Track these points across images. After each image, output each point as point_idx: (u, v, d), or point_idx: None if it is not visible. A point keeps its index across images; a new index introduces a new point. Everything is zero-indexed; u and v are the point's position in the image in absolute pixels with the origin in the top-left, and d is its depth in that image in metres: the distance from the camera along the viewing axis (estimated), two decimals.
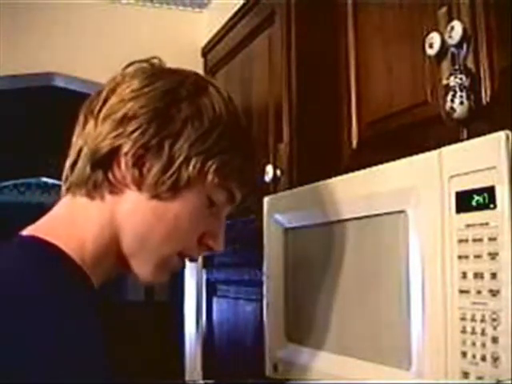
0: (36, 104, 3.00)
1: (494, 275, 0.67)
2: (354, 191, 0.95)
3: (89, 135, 0.77)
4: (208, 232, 0.82)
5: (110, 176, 0.77)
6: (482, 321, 0.68)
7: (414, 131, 0.98)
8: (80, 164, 0.77)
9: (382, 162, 0.89)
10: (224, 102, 0.80)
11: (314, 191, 1.05)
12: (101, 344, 0.69)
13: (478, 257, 0.69)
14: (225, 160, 0.79)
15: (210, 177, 0.78)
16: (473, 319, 0.69)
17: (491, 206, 0.68)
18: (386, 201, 0.86)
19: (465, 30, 0.85)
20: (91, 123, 0.78)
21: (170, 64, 0.85)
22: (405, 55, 1.02)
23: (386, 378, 0.84)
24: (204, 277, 1.88)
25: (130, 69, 0.82)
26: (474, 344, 0.69)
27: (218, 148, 0.78)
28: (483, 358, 0.68)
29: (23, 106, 3.05)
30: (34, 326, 0.63)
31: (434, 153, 0.77)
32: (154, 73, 0.80)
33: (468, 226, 0.71)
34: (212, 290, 1.84)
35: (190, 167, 0.77)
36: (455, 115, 0.84)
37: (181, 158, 0.76)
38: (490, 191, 0.68)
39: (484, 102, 0.83)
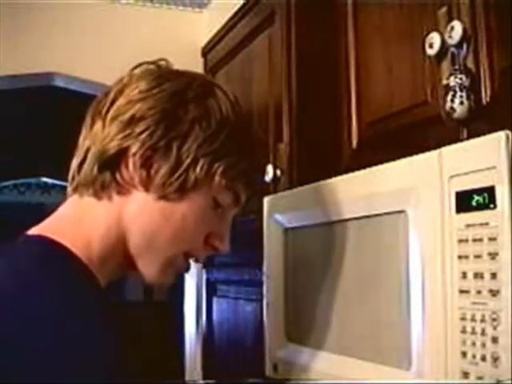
0: (36, 104, 3.00)
1: (493, 275, 0.67)
2: (354, 191, 0.95)
3: (96, 136, 0.78)
4: (214, 233, 0.83)
5: (118, 177, 0.77)
6: (482, 321, 0.68)
7: (414, 131, 0.98)
8: (87, 164, 0.78)
9: (382, 162, 0.89)
10: (231, 104, 0.81)
11: (314, 191, 1.05)
12: (108, 343, 0.69)
13: (477, 257, 0.69)
14: (232, 162, 0.79)
15: (217, 178, 0.78)
16: (473, 319, 0.69)
17: (491, 205, 0.68)
18: (386, 201, 0.86)
19: (465, 30, 0.85)
20: (99, 124, 0.78)
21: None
22: (405, 55, 1.02)
23: (386, 378, 0.84)
24: (204, 277, 1.88)
25: (138, 70, 0.82)
26: (473, 344, 0.69)
27: (225, 150, 0.79)
28: (483, 358, 0.68)
29: (23, 106, 3.05)
30: (40, 325, 0.63)
31: (433, 153, 0.77)
32: (161, 74, 0.81)
33: (468, 226, 0.71)
34: (212, 290, 1.85)
35: (198, 169, 0.77)
36: (455, 115, 0.84)
37: (188, 160, 0.77)
38: (489, 191, 0.68)
39: (484, 101, 0.83)
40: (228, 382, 1.68)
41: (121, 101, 0.78)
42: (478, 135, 0.72)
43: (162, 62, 0.83)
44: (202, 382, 1.90)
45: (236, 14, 1.69)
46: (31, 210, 5.15)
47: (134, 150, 0.76)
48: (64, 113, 2.69)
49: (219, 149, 0.78)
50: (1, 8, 1.85)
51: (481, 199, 0.69)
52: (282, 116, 1.36)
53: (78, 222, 0.77)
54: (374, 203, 0.89)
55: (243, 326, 1.61)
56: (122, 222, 0.78)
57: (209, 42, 1.97)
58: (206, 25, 2.10)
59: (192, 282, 2.01)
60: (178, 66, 0.85)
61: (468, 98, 0.83)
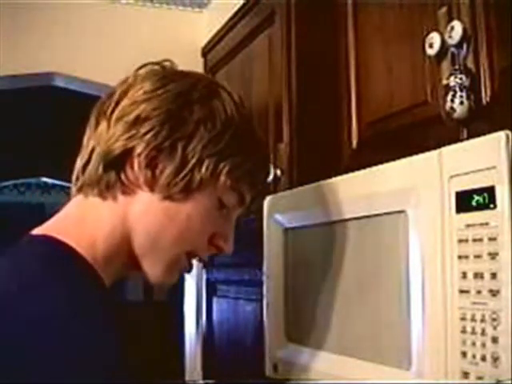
0: (36, 104, 3.00)
1: (493, 275, 0.67)
2: (354, 191, 0.95)
3: (101, 137, 0.78)
4: (218, 233, 0.83)
5: (123, 177, 0.77)
6: (482, 321, 0.68)
7: (414, 131, 0.98)
8: (92, 165, 0.78)
9: (382, 162, 0.89)
10: (235, 105, 0.81)
11: (314, 191, 1.05)
12: (112, 343, 0.69)
13: (477, 257, 0.69)
14: (237, 162, 0.79)
15: (222, 178, 0.78)
16: (473, 319, 0.69)
17: (491, 205, 0.68)
18: (386, 201, 0.86)
19: (465, 30, 0.85)
20: (103, 125, 0.78)
21: None
22: (405, 55, 1.02)
23: (386, 378, 0.84)
24: (204, 277, 1.88)
25: (142, 71, 0.82)
26: (474, 344, 0.69)
27: (230, 150, 0.79)
28: (483, 358, 0.68)
29: (23, 106, 3.05)
30: (44, 325, 0.64)
31: (433, 153, 0.77)
32: (166, 75, 0.81)
33: (468, 226, 0.71)
34: (212, 290, 1.84)
35: (203, 169, 0.77)
36: (455, 115, 0.84)
37: (194, 160, 0.77)
38: (490, 191, 0.68)
39: (484, 101, 0.83)
40: (228, 382, 1.68)
41: (125, 101, 0.78)
42: (478, 135, 0.72)
43: (167, 63, 0.83)
44: (201, 382, 1.90)
45: (236, 13, 1.69)
46: (31, 210, 5.16)
47: (139, 150, 0.76)
48: (64, 113, 2.70)
49: (224, 149, 0.78)
50: (1, 8, 1.85)
51: (481, 199, 0.69)
52: (282, 116, 1.36)
53: (83, 221, 0.78)
54: (374, 203, 0.89)
55: (243, 326, 1.61)
56: (127, 222, 0.78)
57: (209, 42, 1.97)
58: (205, 25, 2.10)
59: (192, 282, 2.01)
60: (178, 66, 0.85)
61: (468, 97, 0.83)
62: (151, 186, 0.77)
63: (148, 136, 0.76)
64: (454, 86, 0.84)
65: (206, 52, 2.00)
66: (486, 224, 0.69)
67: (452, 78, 0.85)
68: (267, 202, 1.20)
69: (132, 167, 0.77)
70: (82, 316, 0.67)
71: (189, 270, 0.84)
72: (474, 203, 0.70)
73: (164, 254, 0.79)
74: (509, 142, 0.67)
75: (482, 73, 0.84)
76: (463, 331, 0.70)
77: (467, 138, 0.82)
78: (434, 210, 0.76)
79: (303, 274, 1.10)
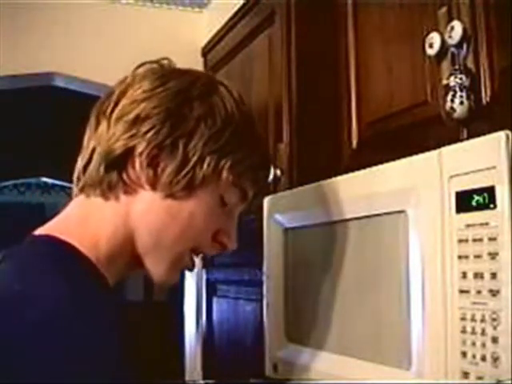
0: (36, 104, 3.00)
1: (493, 275, 0.67)
2: (354, 191, 0.95)
3: (101, 137, 0.78)
4: (221, 230, 0.83)
5: (125, 176, 0.77)
6: (482, 321, 0.68)
7: (414, 131, 0.98)
8: (93, 165, 0.78)
9: (382, 162, 0.89)
10: (235, 102, 0.81)
11: (314, 191, 1.05)
12: (115, 343, 0.69)
13: (478, 257, 0.69)
14: (238, 158, 0.79)
15: (224, 175, 0.78)
16: (473, 319, 0.69)
17: (491, 205, 0.68)
18: (386, 201, 0.86)
19: (465, 30, 0.85)
20: (104, 125, 0.78)
21: None
22: (405, 55, 1.02)
23: (386, 378, 0.84)
24: (204, 277, 1.88)
25: (141, 70, 0.82)
26: (474, 344, 0.69)
27: (231, 146, 0.79)
28: (483, 358, 0.68)
29: (23, 106, 3.05)
30: (47, 325, 0.63)
31: (433, 153, 0.77)
32: (165, 74, 0.81)
33: (468, 226, 0.71)
34: (212, 290, 1.84)
35: (205, 166, 0.77)
36: (455, 115, 0.84)
37: (195, 157, 0.77)
38: (490, 191, 0.68)
39: (484, 101, 0.83)
40: (228, 381, 1.68)
41: (125, 101, 0.78)
42: (478, 135, 0.72)
43: (165, 61, 0.83)
44: (201, 381, 1.90)
45: (236, 13, 1.69)
46: (31, 210, 5.16)
47: (140, 149, 0.76)
48: (64, 113, 2.70)
49: (225, 145, 0.78)
50: (1, 8, 1.85)
51: (481, 199, 0.69)
52: (282, 116, 1.36)
53: (85, 221, 0.78)
54: (374, 203, 0.89)
55: (243, 326, 1.61)
56: (130, 222, 0.78)
57: (209, 42, 1.97)
58: (206, 25, 2.10)
59: (192, 281, 2.01)
60: (178, 65, 0.85)
61: (468, 97, 0.83)
62: (153, 184, 0.77)
63: (149, 135, 0.76)
64: (454, 86, 0.84)
65: (206, 52, 2.00)
66: (486, 224, 0.69)
67: (452, 78, 0.85)
68: (267, 201, 1.20)
69: (133, 166, 0.77)
70: (86, 316, 0.67)
71: (191, 268, 0.84)
72: (473, 203, 0.70)
73: (167, 252, 0.79)
74: (509, 141, 0.67)
75: (482, 73, 0.84)
76: (463, 331, 0.70)
77: (467, 138, 0.82)
78: (434, 210, 0.76)
79: (303, 274, 1.10)
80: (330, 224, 1.00)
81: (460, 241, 0.72)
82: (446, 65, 0.88)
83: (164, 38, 2.04)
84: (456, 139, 0.80)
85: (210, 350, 1.86)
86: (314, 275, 1.05)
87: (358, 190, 0.94)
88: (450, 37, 0.86)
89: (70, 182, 0.83)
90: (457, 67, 0.85)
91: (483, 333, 0.68)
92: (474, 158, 0.71)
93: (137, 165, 0.76)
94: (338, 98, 1.22)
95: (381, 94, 1.09)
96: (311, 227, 1.07)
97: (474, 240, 0.70)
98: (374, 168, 0.90)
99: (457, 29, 0.85)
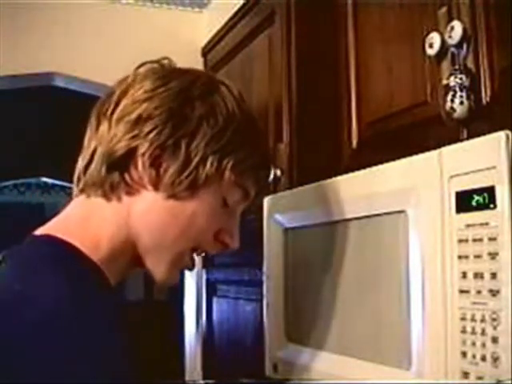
0: (36, 104, 3.00)
1: (493, 275, 0.67)
2: (354, 191, 0.95)
3: (102, 137, 0.77)
4: (223, 229, 0.83)
5: (127, 177, 0.77)
6: (482, 321, 0.68)
7: (414, 131, 0.98)
8: (94, 165, 0.78)
9: (382, 162, 0.89)
10: (236, 101, 0.81)
11: (314, 191, 1.05)
12: (118, 343, 0.69)
13: (478, 257, 0.69)
14: (240, 157, 0.79)
15: (226, 174, 0.78)
16: (473, 319, 0.69)
17: (491, 205, 0.68)
18: (386, 201, 0.86)
19: (465, 30, 0.85)
20: (105, 125, 0.78)
21: None
22: (405, 55, 1.02)
23: (385, 378, 0.84)
24: (204, 277, 1.88)
25: (141, 70, 0.82)
26: (474, 344, 0.69)
27: (233, 145, 0.79)
28: (483, 358, 0.68)
29: (23, 106, 3.05)
30: (49, 325, 0.63)
31: (433, 153, 0.77)
32: (166, 74, 0.81)
33: (468, 226, 0.71)
34: (212, 290, 1.84)
35: (208, 165, 0.77)
36: (455, 115, 0.84)
37: (197, 157, 0.77)
38: (490, 191, 0.68)
39: (484, 101, 0.83)
40: (228, 382, 1.68)
41: (126, 101, 0.78)
42: (478, 135, 0.72)
43: (165, 61, 0.83)
44: (202, 381, 1.90)
45: (236, 13, 1.69)
46: (31, 210, 5.16)
47: (142, 149, 0.76)
48: (64, 113, 2.70)
49: (227, 145, 0.78)
50: (1, 8, 1.85)
51: (481, 199, 0.69)
52: (282, 116, 1.36)
53: (86, 221, 0.77)
54: (374, 203, 0.89)
55: (243, 326, 1.61)
56: (131, 222, 0.78)
57: (209, 42, 1.97)
58: (206, 25, 2.10)
59: (192, 281, 2.01)
60: (178, 65, 0.85)
61: (468, 97, 0.83)
62: (156, 185, 0.77)
63: (151, 135, 0.76)
64: (454, 86, 0.84)
65: (206, 52, 2.00)
66: (486, 224, 0.69)
67: (452, 78, 0.85)
68: (267, 201, 1.20)
69: (136, 167, 0.76)
70: (86, 316, 0.67)
71: (191, 268, 0.84)
72: (474, 203, 0.70)
73: (168, 251, 0.79)
74: (509, 141, 0.67)
75: (482, 73, 0.84)
76: (463, 331, 0.70)
77: (467, 138, 0.82)
78: (434, 210, 0.76)
79: (303, 274, 1.10)
80: (330, 224, 1.00)
81: (460, 241, 0.72)
82: (446, 65, 0.88)
83: (164, 38, 2.04)
84: (456, 139, 0.80)
85: (209, 350, 1.86)
86: (314, 275, 1.05)
87: (358, 190, 0.94)
88: (450, 37, 0.86)
89: (70, 181, 0.83)
90: (457, 67, 0.85)
91: (483, 333, 0.68)
92: (474, 158, 0.71)
93: (139, 165, 0.76)
94: (338, 97, 1.22)
95: (381, 93, 1.09)
96: (311, 227, 1.07)
97: (474, 240, 0.70)
98: (374, 168, 0.90)
99: (457, 29, 0.85)
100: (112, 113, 0.78)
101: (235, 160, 0.79)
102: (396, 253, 0.84)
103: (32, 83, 2.03)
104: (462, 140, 0.80)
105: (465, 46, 0.85)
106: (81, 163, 0.80)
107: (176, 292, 2.14)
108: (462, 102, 0.84)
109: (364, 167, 0.93)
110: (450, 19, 0.87)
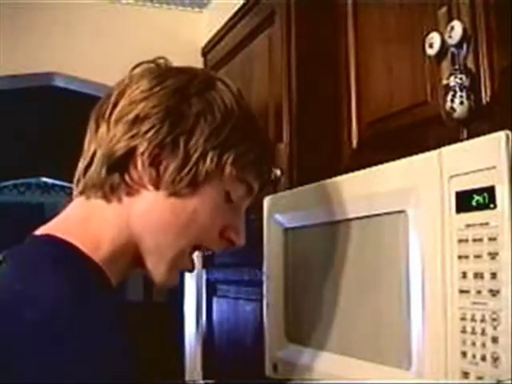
0: (36, 104, 3.00)
1: (493, 275, 0.67)
2: (354, 191, 0.95)
3: (102, 139, 0.78)
4: (229, 226, 0.83)
5: (127, 178, 0.77)
6: (482, 321, 0.68)
7: (414, 131, 0.98)
8: (94, 167, 0.78)
9: (382, 162, 0.89)
10: (233, 96, 0.81)
11: (314, 191, 1.05)
12: (119, 343, 0.69)
13: (478, 257, 0.69)
14: (240, 152, 0.79)
15: (227, 169, 0.78)
16: (473, 319, 0.69)
17: (491, 205, 0.68)
18: (386, 201, 0.86)
19: (465, 30, 0.85)
20: (103, 127, 0.78)
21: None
22: (405, 55, 1.02)
23: (385, 378, 0.84)
24: (204, 277, 1.88)
25: (137, 70, 0.82)
26: (474, 344, 0.69)
27: (232, 140, 0.79)
28: (483, 358, 0.68)
29: (23, 106, 3.05)
30: (49, 325, 0.63)
31: (433, 153, 0.77)
32: (162, 73, 0.81)
33: (468, 225, 0.71)
34: (212, 290, 1.84)
35: (208, 161, 0.77)
36: (455, 115, 0.84)
37: (197, 154, 0.77)
38: (490, 191, 0.68)
39: (484, 101, 0.83)
40: (228, 381, 1.68)
41: (123, 102, 0.78)
42: (478, 135, 0.72)
43: (161, 60, 0.83)
44: (201, 382, 1.90)
45: (236, 13, 1.69)
46: (31, 210, 5.16)
47: (141, 149, 0.76)
48: (64, 113, 2.70)
49: (226, 140, 0.78)
50: (0, 8, 1.85)
51: (481, 199, 0.69)
52: (282, 116, 1.36)
53: (86, 222, 0.77)
54: (374, 203, 0.89)
55: (243, 326, 1.61)
56: (133, 223, 0.77)
57: (209, 42, 1.97)
58: (206, 25, 2.10)
59: (192, 282, 2.01)
60: (177, 65, 0.85)
61: (468, 97, 0.83)
62: (156, 184, 0.77)
63: (149, 134, 0.76)
64: (454, 86, 0.84)
65: (206, 52, 2.00)
66: (486, 224, 0.69)
67: (452, 78, 0.85)
68: (267, 201, 1.20)
69: (136, 167, 0.76)
70: (86, 316, 0.67)
71: (191, 269, 0.84)
72: (474, 203, 0.70)
73: (170, 250, 0.79)
74: (509, 141, 0.67)
75: (482, 73, 0.84)
76: (463, 331, 0.70)
77: (467, 138, 0.82)
78: (434, 210, 0.76)
79: (303, 274, 1.10)
80: (330, 224, 1.00)
81: (460, 241, 0.72)
82: (445, 65, 0.88)
83: (164, 38, 2.04)
84: (456, 139, 0.80)
85: (210, 349, 1.86)
86: (314, 275, 1.05)
87: (358, 190, 0.94)
88: (450, 37, 0.86)
89: (70, 182, 0.83)
90: (457, 67, 0.85)
91: (483, 333, 0.68)
92: (474, 158, 0.71)
93: (139, 165, 0.76)
94: (338, 98, 1.22)
95: (381, 94, 1.09)
96: (311, 227, 1.07)
97: (474, 240, 0.70)
98: (374, 168, 0.90)
99: (457, 29, 0.85)
100: (110, 114, 0.78)
101: (235, 155, 0.79)
102: (396, 253, 0.84)
103: (32, 83, 2.03)
104: (462, 140, 0.80)
105: (465, 46, 0.85)
106: (81, 165, 0.80)
107: (176, 292, 2.14)
108: (462, 102, 0.84)
109: (364, 167, 0.93)
110: (450, 19, 0.87)
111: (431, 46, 0.89)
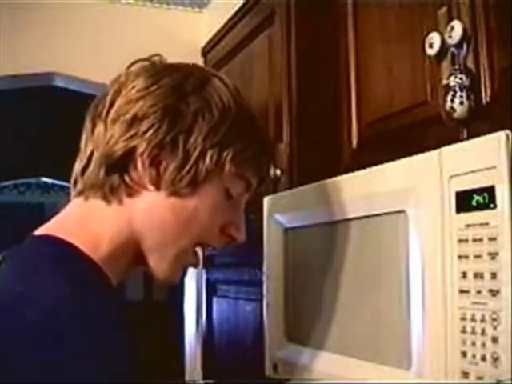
0: (36, 104, 3.00)
1: (493, 275, 0.67)
2: (354, 191, 0.95)
3: (99, 139, 0.77)
4: (229, 222, 0.83)
5: (127, 178, 0.76)
6: (482, 321, 0.68)
7: (414, 131, 0.98)
8: (92, 168, 0.77)
9: (382, 162, 0.89)
10: (230, 93, 0.81)
11: (314, 191, 1.05)
12: (120, 343, 0.69)
13: (478, 257, 0.69)
14: (239, 148, 0.79)
15: (227, 166, 0.78)
16: (473, 319, 0.69)
17: (491, 205, 0.68)
18: (386, 201, 0.86)
19: (465, 30, 0.85)
20: (100, 127, 0.77)
21: None
22: (405, 55, 1.02)
23: (385, 378, 0.84)
24: (204, 277, 1.88)
25: (133, 68, 0.81)
26: (474, 344, 0.69)
27: (230, 138, 0.79)
28: (483, 358, 0.68)
29: (23, 106, 3.05)
30: (50, 325, 0.63)
31: (433, 153, 0.77)
32: (157, 71, 0.80)
33: (468, 225, 0.71)
34: (212, 290, 1.84)
35: (207, 160, 0.77)
36: (455, 115, 0.84)
37: (196, 152, 0.76)
38: (489, 191, 0.68)
39: (484, 101, 0.83)
40: (228, 381, 1.68)
41: (120, 101, 0.77)
42: (478, 135, 0.72)
43: (156, 58, 0.83)
44: (201, 382, 1.90)
45: (236, 13, 1.69)
46: (31, 210, 5.15)
47: (141, 149, 0.75)
48: (64, 113, 2.70)
49: (225, 137, 0.78)
50: (0, 8, 1.85)
51: (481, 199, 0.69)
52: (282, 116, 1.36)
53: (85, 222, 0.77)
54: (374, 203, 0.89)
55: (243, 326, 1.61)
56: (134, 223, 0.77)
57: (209, 42, 1.97)
58: (206, 25, 2.10)
59: (192, 282, 2.01)
60: (172, 62, 0.85)
61: (468, 97, 0.83)
62: (157, 184, 0.77)
63: (148, 134, 0.75)
64: (454, 86, 0.84)
65: (206, 52, 2.00)
66: (486, 224, 0.69)
67: (452, 78, 0.85)
68: (267, 201, 1.20)
69: (136, 168, 0.76)
70: (87, 316, 0.67)
71: (196, 265, 0.84)
72: (474, 203, 0.70)
73: (172, 249, 0.79)
74: (509, 141, 0.67)
75: (482, 73, 0.84)
76: (463, 331, 0.70)
77: (467, 138, 0.82)
78: (434, 210, 0.76)
79: (303, 274, 1.10)
80: (330, 224, 1.00)
81: (460, 241, 0.72)
82: (445, 65, 0.88)
83: (164, 38, 2.04)
84: (456, 139, 0.80)
85: (210, 350, 1.86)
86: (314, 275, 1.05)
87: (358, 190, 0.94)
88: (450, 37, 0.86)
89: (70, 181, 0.83)
90: (457, 67, 0.85)
91: (483, 333, 0.68)
92: (474, 158, 0.71)
93: (139, 165, 0.76)
94: (338, 98, 1.22)
95: (381, 94, 1.09)
96: (311, 227, 1.07)
97: (474, 240, 0.70)
98: (374, 168, 0.90)
99: (457, 29, 0.85)
100: (107, 114, 0.77)
101: (234, 152, 0.78)
102: (396, 253, 0.84)
103: (32, 83, 2.03)
104: (462, 140, 0.80)
105: (465, 46, 0.85)
106: (77, 166, 0.80)
107: (176, 292, 2.14)
108: (462, 102, 0.84)
109: (364, 167, 0.93)
110: (450, 19, 0.87)
111: (431, 45, 0.89)
